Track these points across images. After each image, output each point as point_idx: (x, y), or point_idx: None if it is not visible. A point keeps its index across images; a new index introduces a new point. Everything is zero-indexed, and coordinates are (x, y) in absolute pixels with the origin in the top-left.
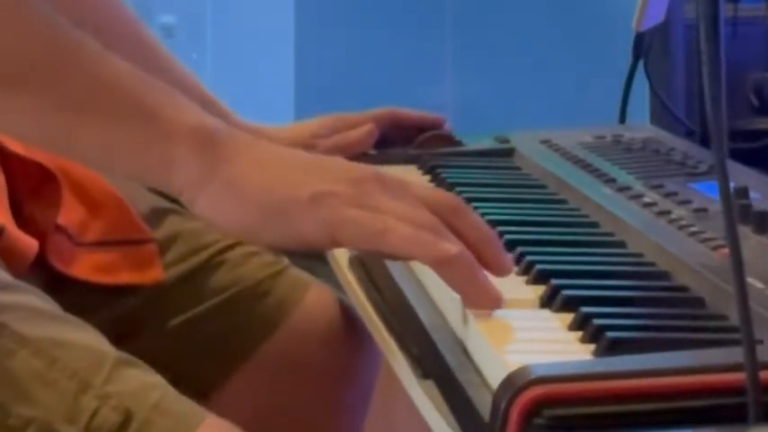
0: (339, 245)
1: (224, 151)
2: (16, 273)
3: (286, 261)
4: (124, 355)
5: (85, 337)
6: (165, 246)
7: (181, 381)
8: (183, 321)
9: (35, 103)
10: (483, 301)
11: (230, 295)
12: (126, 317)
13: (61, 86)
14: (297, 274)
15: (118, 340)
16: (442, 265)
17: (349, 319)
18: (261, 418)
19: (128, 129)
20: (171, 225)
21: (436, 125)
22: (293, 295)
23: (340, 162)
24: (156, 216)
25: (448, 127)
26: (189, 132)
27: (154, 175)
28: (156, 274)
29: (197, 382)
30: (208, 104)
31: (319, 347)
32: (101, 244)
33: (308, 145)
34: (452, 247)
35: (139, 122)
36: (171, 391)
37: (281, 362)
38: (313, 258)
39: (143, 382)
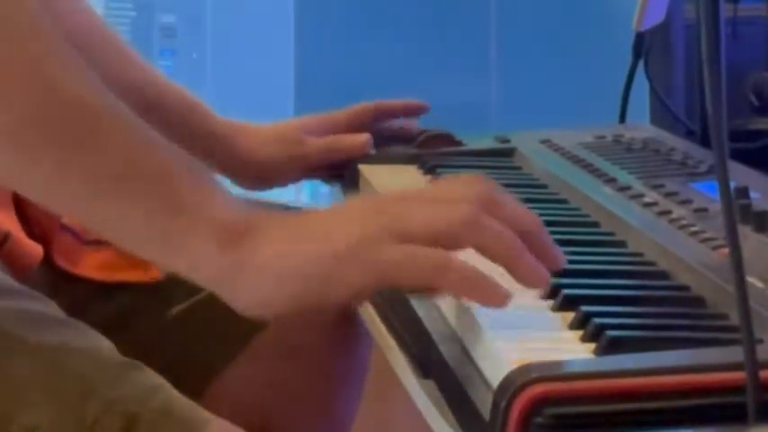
0: (388, 286)
1: (250, 239)
2: (21, 277)
3: None
4: (128, 359)
5: (89, 342)
6: None
7: (184, 367)
8: (183, 310)
9: (60, 172)
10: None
11: None
12: (127, 308)
13: (86, 158)
14: None
15: (119, 331)
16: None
17: None
18: (263, 399)
19: (153, 214)
20: None
21: (421, 110)
22: None
23: (354, 203)
24: None
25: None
26: (214, 227)
27: (175, 265)
28: (156, 272)
29: (200, 367)
30: (188, 107)
31: (317, 329)
32: (104, 242)
33: (295, 140)
34: (507, 292)
35: (165, 210)
36: (175, 395)
37: (280, 344)
38: None
39: (147, 386)
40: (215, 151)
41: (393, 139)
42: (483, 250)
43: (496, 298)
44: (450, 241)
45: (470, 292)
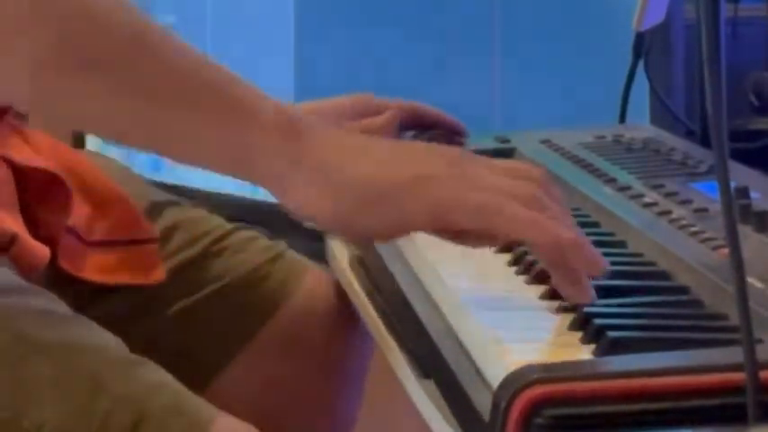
0: (444, 226)
1: (310, 139)
2: (28, 277)
3: (284, 245)
4: (135, 356)
5: (97, 339)
6: (166, 236)
7: (185, 364)
8: (186, 306)
9: (111, 88)
10: (580, 293)
11: (230, 280)
12: (128, 308)
13: (138, 72)
14: (294, 257)
15: (120, 330)
16: (553, 250)
17: (344, 298)
18: (264, 396)
19: (208, 115)
20: (170, 216)
21: (455, 129)
22: (292, 278)
23: (424, 145)
24: (156, 209)
25: (466, 135)
26: (272, 120)
27: (235, 162)
28: (157, 275)
29: (201, 364)
30: None
31: (318, 327)
32: (107, 243)
33: (333, 124)
34: (567, 232)
35: (220, 109)
36: (183, 391)
37: (282, 342)
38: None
39: (155, 383)
40: None
41: (436, 125)
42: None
43: (549, 235)
44: (516, 197)
45: (524, 230)
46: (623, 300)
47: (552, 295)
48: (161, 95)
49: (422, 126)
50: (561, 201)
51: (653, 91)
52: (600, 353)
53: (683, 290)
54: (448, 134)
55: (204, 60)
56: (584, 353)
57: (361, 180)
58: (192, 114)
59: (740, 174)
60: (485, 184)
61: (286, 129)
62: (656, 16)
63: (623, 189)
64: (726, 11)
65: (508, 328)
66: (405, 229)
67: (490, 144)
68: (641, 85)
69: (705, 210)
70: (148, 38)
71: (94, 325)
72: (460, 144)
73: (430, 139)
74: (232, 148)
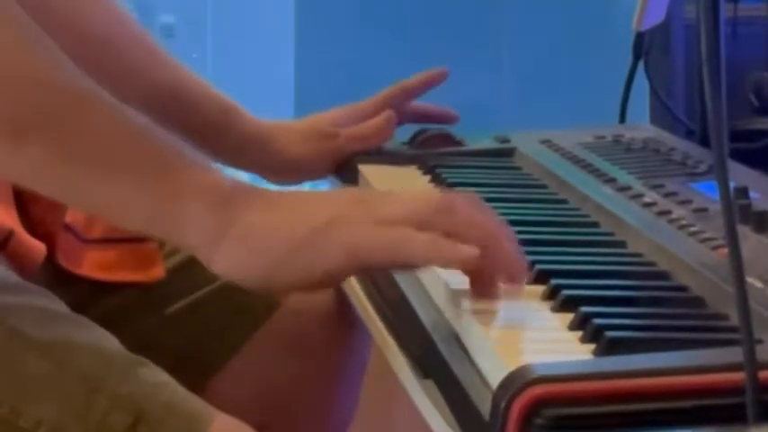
0: (359, 265)
1: (238, 207)
2: (24, 275)
3: None
4: (133, 356)
5: (95, 338)
6: None
7: (184, 363)
8: (184, 306)
9: (48, 155)
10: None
11: (228, 280)
12: (127, 306)
13: (75, 138)
14: None
15: (118, 328)
16: (466, 268)
17: (342, 297)
18: (262, 395)
19: (141, 184)
20: None
21: (446, 118)
22: None
23: (342, 190)
24: None
25: (456, 121)
26: (203, 190)
27: (167, 231)
28: (157, 272)
29: (200, 363)
30: (221, 108)
31: (317, 325)
32: (106, 241)
33: (328, 134)
34: (471, 250)
35: (153, 178)
36: (181, 391)
37: (280, 341)
38: None
39: (153, 382)
40: (248, 151)
41: (426, 117)
42: (456, 234)
43: (460, 256)
44: (423, 225)
45: (434, 257)
46: (623, 299)
47: (552, 295)
48: (98, 160)
49: (413, 120)
50: (468, 212)
51: (653, 91)
52: (599, 353)
53: (683, 290)
54: (444, 136)
55: (140, 125)
56: (584, 353)
57: (280, 233)
58: (127, 179)
59: (740, 174)
60: (389, 217)
61: (218, 199)
62: (656, 16)
63: (623, 189)
64: (726, 11)
65: (508, 327)
66: (325, 273)
67: (490, 144)
68: (641, 85)
69: (705, 210)
70: (88, 101)
71: (93, 324)
72: (458, 144)
73: (423, 143)
74: (163, 215)
